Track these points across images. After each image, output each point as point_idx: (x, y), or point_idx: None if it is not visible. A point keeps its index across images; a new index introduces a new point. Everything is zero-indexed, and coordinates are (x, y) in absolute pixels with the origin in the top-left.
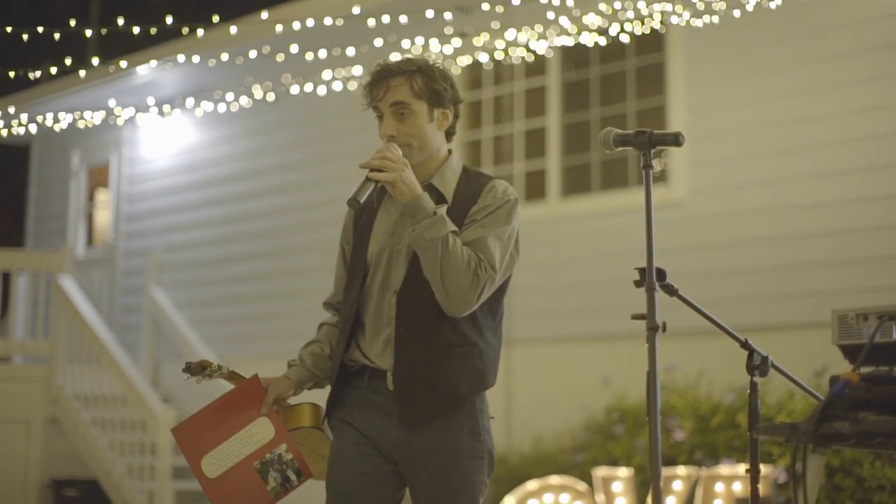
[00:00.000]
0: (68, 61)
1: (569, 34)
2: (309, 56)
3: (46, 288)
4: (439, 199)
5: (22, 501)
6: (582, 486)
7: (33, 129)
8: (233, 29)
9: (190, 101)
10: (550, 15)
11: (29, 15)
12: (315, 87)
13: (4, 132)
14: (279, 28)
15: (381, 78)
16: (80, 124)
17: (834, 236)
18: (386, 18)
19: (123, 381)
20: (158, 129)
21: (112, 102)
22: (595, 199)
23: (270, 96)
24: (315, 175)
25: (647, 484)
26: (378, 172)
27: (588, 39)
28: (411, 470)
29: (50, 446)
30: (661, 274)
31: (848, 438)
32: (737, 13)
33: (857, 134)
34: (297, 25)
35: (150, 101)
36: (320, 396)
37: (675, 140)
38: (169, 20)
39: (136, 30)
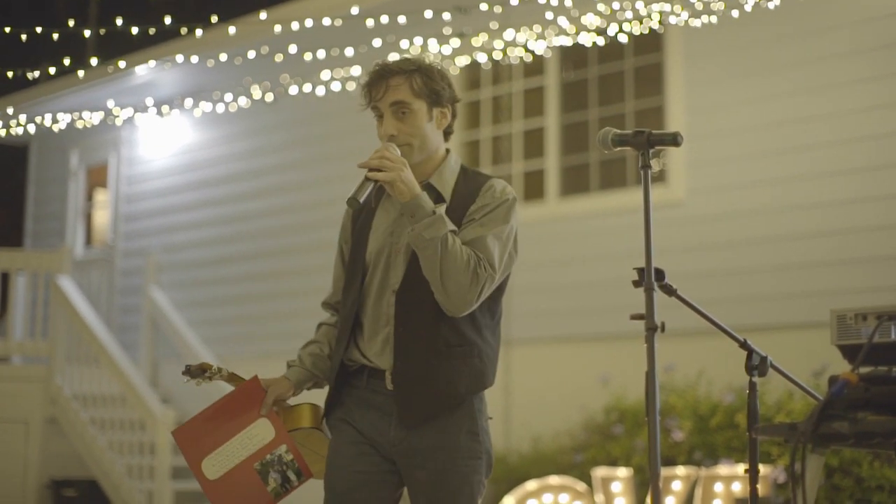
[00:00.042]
0: (67, 61)
1: (567, 34)
2: (307, 56)
3: (45, 288)
4: (437, 198)
5: (21, 502)
6: (581, 486)
7: (32, 129)
8: (231, 29)
9: (188, 102)
10: (549, 15)
11: (28, 15)
12: (314, 87)
13: (3, 132)
14: (278, 28)
15: (381, 77)
16: (79, 124)
17: (833, 236)
18: (385, 19)
19: (122, 382)
20: (157, 129)
21: (111, 103)
22: (594, 199)
23: (269, 97)
24: (314, 175)
25: (647, 484)
26: (377, 172)
27: (586, 39)
28: (410, 469)
29: (49, 446)
30: (660, 274)
31: (847, 438)
32: (735, 13)
33: (855, 134)
34: (295, 26)
35: (149, 101)
36: (319, 396)
37: (674, 140)
38: (168, 20)
39: (134, 30)
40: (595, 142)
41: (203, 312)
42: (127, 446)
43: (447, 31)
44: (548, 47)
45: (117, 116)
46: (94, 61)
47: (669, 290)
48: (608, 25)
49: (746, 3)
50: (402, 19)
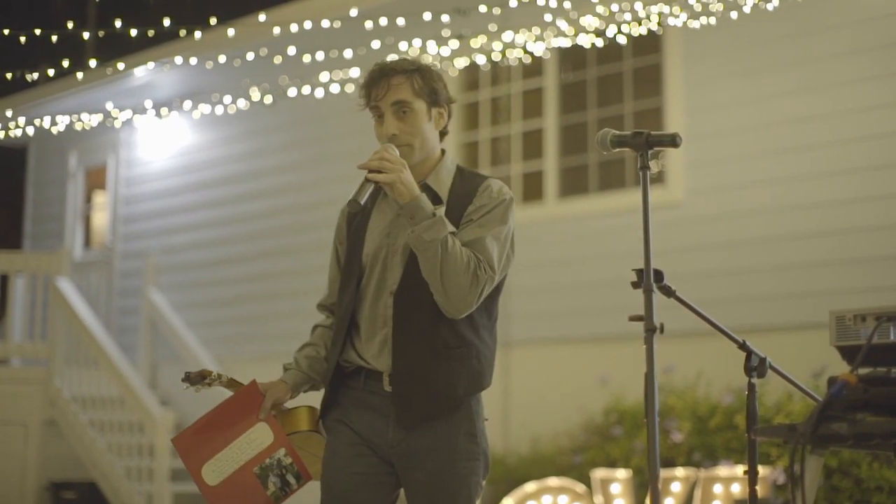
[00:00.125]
0: (66, 63)
1: (566, 36)
2: (306, 58)
3: (44, 290)
4: (434, 198)
5: None
6: (580, 487)
7: (31, 130)
8: (230, 31)
9: (187, 104)
10: (548, 17)
11: (26, 17)
12: (312, 89)
13: (2, 134)
14: (277, 30)
15: (382, 76)
16: (78, 126)
17: (832, 237)
18: (383, 21)
19: (121, 383)
20: (156, 131)
21: (109, 104)
22: (592, 200)
23: (268, 98)
24: (313, 176)
25: (646, 485)
26: (377, 173)
27: (585, 41)
28: (407, 471)
29: (48, 448)
30: (659, 275)
31: (846, 439)
32: (734, 15)
33: (855, 134)
34: (294, 28)
35: (148, 103)
36: (316, 398)
37: (673, 141)
38: (166, 22)
39: (133, 32)
40: (594, 143)
41: (202, 314)
42: (126, 448)
43: (446, 33)
44: (546, 49)
45: (116, 118)
46: (92, 63)
47: (668, 292)
48: (607, 27)
49: (745, 4)
50: (400, 21)
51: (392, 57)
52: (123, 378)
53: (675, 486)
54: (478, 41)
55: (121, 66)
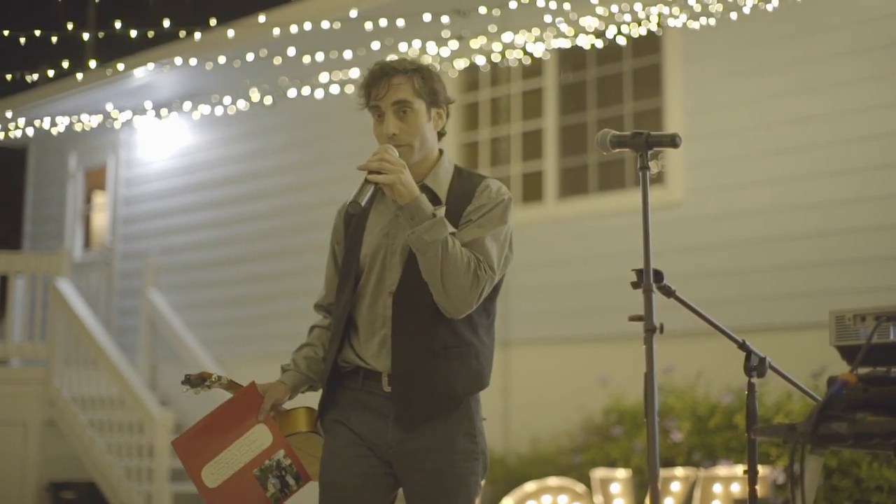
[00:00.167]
0: (66, 64)
1: (566, 37)
2: (306, 59)
3: (44, 291)
4: (433, 199)
5: None
6: (580, 487)
7: (30, 131)
8: (230, 32)
9: (187, 104)
10: (547, 18)
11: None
12: (312, 89)
13: (2, 135)
14: (276, 31)
15: (383, 76)
16: (78, 127)
17: (832, 237)
18: (383, 22)
19: (121, 384)
20: (156, 131)
21: (109, 105)
22: (592, 201)
23: (268, 99)
24: (312, 177)
25: (646, 485)
26: (377, 174)
27: (585, 42)
28: (407, 471)
29: (47, 449)
30: (659, 275)
31: (846, 439)
32: (734, 16)
33: (854, 134)
34: (294, 29)
35: (148, 103)
36: (313, 399)
37: (672, 141)
38: (166, 23)
39: (133, 33)
40: (593, 143)
41: (202, 314)
42: (125, 448)
43: (445, 34)
44: (546, 50)
45: (116, 119)
46: (92, 64)
47: (668, 292)
48: (606, 28)
49: (745, 4)
50: (400, 22)
51: (392, 57)
52: (123, 378)
53: (675, 486)
54: (477, 42)
55: (120, 66)
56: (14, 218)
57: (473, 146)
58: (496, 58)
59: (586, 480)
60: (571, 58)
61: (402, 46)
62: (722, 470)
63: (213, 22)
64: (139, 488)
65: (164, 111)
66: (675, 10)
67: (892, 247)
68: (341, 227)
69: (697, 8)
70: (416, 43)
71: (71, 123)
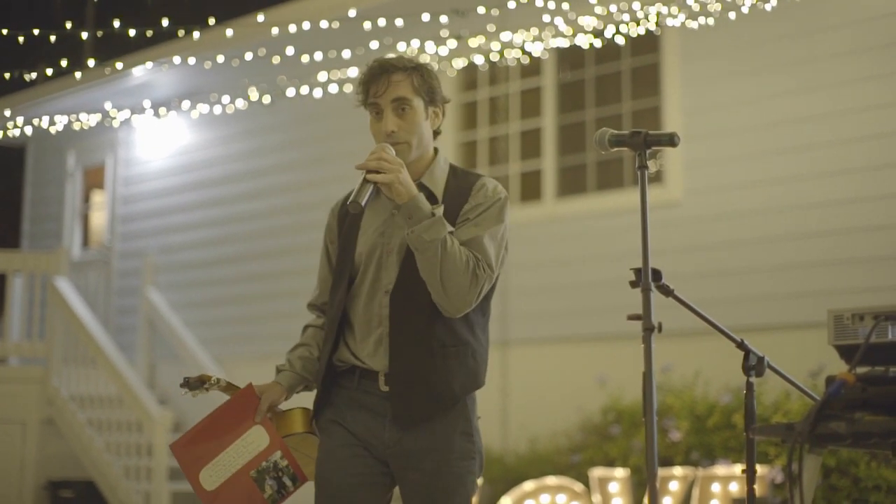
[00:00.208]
0: (64, 63)
1: (564, 36)
2: (305, 58)
3: (42, 289)
4: (429, 197)
5: (18, 502)
6: (578, 486)
7: (29, 130)
8: (228, 31)
9: (186, 103)
10: (546, 17)
11: (25, 17)
12: (311, 89)
13: (0, 134)
14: (275, 31)
15: (383, 72)
16: (76, 126)
17: (830, 236)
18: (382, 22)
19: (119, 383)
20: (154, 130)
21: (108, 104)
22: (590, 200)
23: (266, 98)
24: (311, 176)
25: (644, 484)
26: (375, 174)
27: (583, 41)
28: (404, 471)
29: (46, 447)
30: (657, 274)
31: (844, 438)
32: (732, 15)
33: (852, 134)
34: (293, 28)
35: (146, 102)
36: (308, 399)
37: (671, 140)
38: (165, 23)
39: (132, 32)
40: (592, 142)
41: (200, 313)
42: (124, 447)
43: (444, 33)
44: (545, 49)
45: (114, 118)
46: (91, 63)
47: (666, 291)
48: (605, 27)
49: (743, 4)
50: (399, 22)
51: (390, 56)
52: (121, 377)
53: (674, 485)
54: (476, 41)
55: (119, 65)
56: (12, 217)
57: (472, 145)
58: (495, 57)
59: (585, 480)
60: (570, 57)
61: (401, 46)
62: (720, 469)
63: (211, 21)
64: (138, 487)
65: (162, 110)
66: (674, 9)
67: (890, 247)
68: (335, 226)
69: (696, 7)
70: (415, 42)
71: (69, 122)
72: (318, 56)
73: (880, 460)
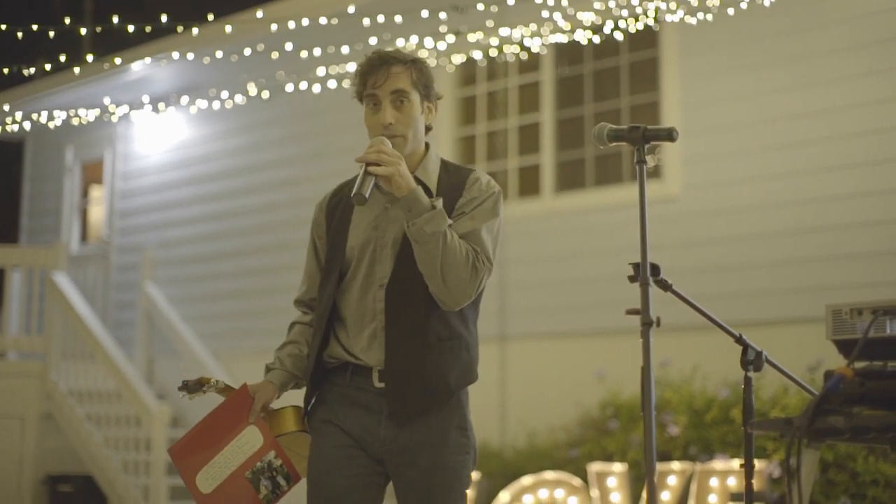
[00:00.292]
0: (63, 58)
1: (563, 31)
2: (303, 54)
3: (40, 284)
4: (425, 191)
5: (16, 497)
6: (577, 481)
7: (27, 125)
8: (227, 28)
9: (184, 98)
10: (544, 13)
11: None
12: (309, 84)
13: None
14: (274, 27)
15: (382, 64)
16: (75, 121)
17: (828, 232)
18: (381, 18)
19: (118, 377)
20: (153, 125)
21: (106, 99)
22: (589, 195)
23: (265, 94)
24: (309, 171)
25: (642, 479)
26: (375, 166)
27: (582, 37)
28: (400, 468)
29: (44, 442)
30: (656, 269)
31: (842, 433)
32: (730, 11)
33: (851, 129)
34: (292, 25)
35: (145, 97)
36: (298, 396)
37: (669, 135)
38: (164, 18)
39: (130, 28)
40: (590, 137)
41: (199, 308)
42: (122, 442)
43: (442, 29)
44: (543, 44)
45: (113, 113)
46: (89, 58)
47: (665, 286)
48: (603, 22)
49: (742, 0)
50: (398, 18)
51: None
52: (120, 372)
53: (672, 480)
54: (474, 37)
55: (118, 61)
56: (11, 211)
57: (470, 140)
58: (493, 52)
59: (583, 474)
60: (568, 52)
61: (400, 41)
62: (718, 464)
63: (210, 17)
64: (136, 481)
65: (161, 105)
66: (672, 5)
67: (889, 242)
68: (323, 222)
69: (694, 3)
70: (414, 38)
71: (68, 117)
72: (317, 52)
73: (878, 455)
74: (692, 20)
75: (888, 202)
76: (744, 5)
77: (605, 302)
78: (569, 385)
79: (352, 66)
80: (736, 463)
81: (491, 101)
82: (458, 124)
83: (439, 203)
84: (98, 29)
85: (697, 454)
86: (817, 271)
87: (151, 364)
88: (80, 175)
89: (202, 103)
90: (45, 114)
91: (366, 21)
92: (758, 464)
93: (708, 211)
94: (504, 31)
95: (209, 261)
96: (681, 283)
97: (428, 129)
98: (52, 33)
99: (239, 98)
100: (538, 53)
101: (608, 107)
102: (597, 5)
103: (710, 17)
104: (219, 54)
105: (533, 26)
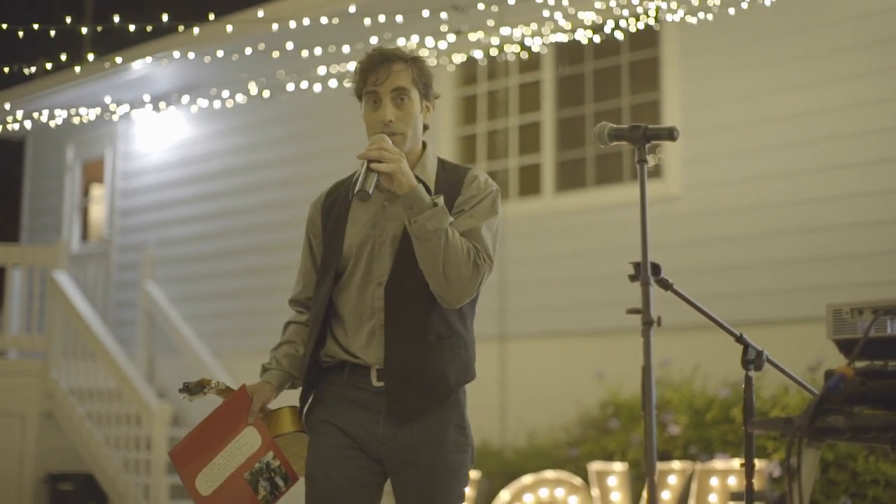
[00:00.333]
0: (63, 57)
1: (563, 31)
2: (304, 53)
3: (41, 283)
4: (425, 189)
5: (17, 496)
6: (577, 480)
7: (28, 124)
8: (228, 27)
9: (185, 97)
10: (545, 12)
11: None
12: (310, 83)
13: (0, 127)
14: (275, 27)
15: (384, 61)
16: (76, 119)
17: (829, 231)
18: (382, 18)
19: (118, 376)
20: (153, 124)
21: (107, 98)
22: (589, 195)
23: (266, 93)
24: (310, 170)
25: (642, 478)
26: (377, 163)
27: (582, 36)
28: (399, 467)
29: (45, 441)
30: (656, 268)
31: (843, 432)
32: (731, 11)
33: (851, 129)
34: (292, 24)
35: (146, 96)
36: (294, 396)
37: (670, 134)
38: (164, 18)
39: (131, 28)
40: (591, 137)
41: (199, 307)
42: (123, 441)
43: (444, 28)
44: (543, 44)
45: (114, 112)
46: (90, 57)
47: (665, 285)
48: (604, 22)
49: (743, 0)
50: (399, 18)
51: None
52: (120, 370)
53: (672, 479)
54: (475, 36)
55: (119, 60)
56: (12, 210)
57: (471, 139)
58: (494, 52)
59: (583, 474)
60: (569, 52)
61: (401, 41)
62: (719, 463)
63: (211, 17)
64: (137, 480)
65: (161, 104)
66: (673, 4)
67: (889, 242)
68: (318, 221)
69: (695, 2)
70: (415, 37)
71: (69, 116)
72: (318, 51)
73: (878, 454)
74: (693, 20)
75: (888, 202)
76: (744, 5)
77: (606, 301)
78: (569, 384)
79: (353, 66)
80: (736, 462)
81: (491, 100)
82: (459, 123)
83: (441, 200)
84: (99, 28)
85: (698, 453)
86: (817, 271)
87: (152, 363)
88: (80, 174)
89: (203, 102)
90: (45, 112)
91: (367, 20)
92: (758, 463)
93: (708, 211)
94: (505, 31)
95: (210, 259)
96: (681, 283)
97: (425, 128)
98: (52, 32)
99: (240, 97)
100: (539, 53)
101: (609, 106)
102: (597, 5)
103: (710, 16)
104: (219, 53)
105: (534, 26)
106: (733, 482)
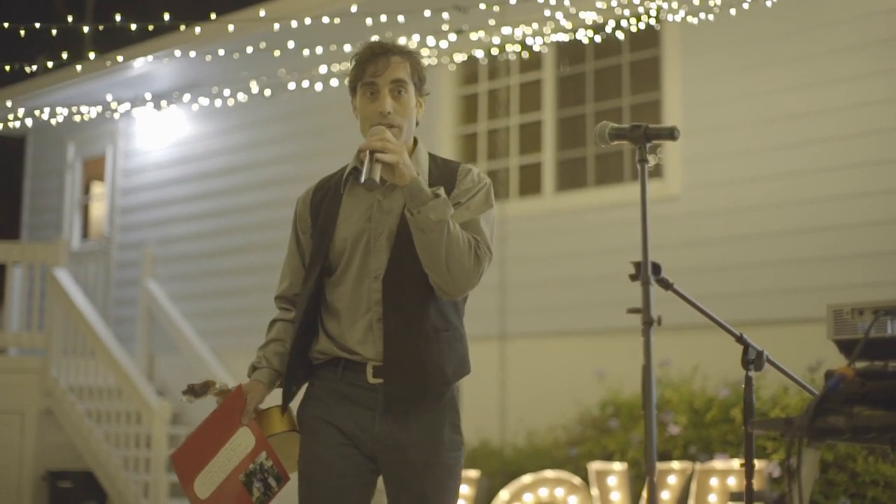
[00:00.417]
0: (65, 55)
1: (564, 30)
2: (305, 52)
3: (42, 280)
4: None
5: (17, 493)
6: (576, 480)
7: (29, 121)
8: (230, 26)
9: (186, 96)
10: (546, 12)
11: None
12: (311, 82)
13: (1, 125)
14: (276, 26)
15: (384, 53)
16: (76, 117)
17: (829, 231)
18: (383, 17)
19: (118, 374)
20: (154, 122)
21: (108, 96)
22: (590, 194)
23: (267, 91)
24: (310, 168)
25: (642, 478)
26: (381, 153)
27: (583, 35)
28: (393, 465)
29: (45, 438)
30: (657, 268)
31: (843, 433)
32: (732, 11)
33: (852, 129)
34: (294, 23)
35: (147, 94)
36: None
37: (670, 134)
38: (166, 17)
39: (133, 26)
40: (591, 136)
41: (199, 305)
42: (123, 438)
43: (445, 27)
44: (544, 43)
45: (115, 110)
46: (91, 55)
47: (666, 285)
48: (605, 22)
49: (744, 0)
50: (400, 17)
51: None
52: (120, 368)
53: (672, 479)
54: (476, 35)
55: (120, 58)
56: (12, 208)
57: (472, 138)
58: (495, 51)
59: (583, 473)
60: (570, 51)
61: (402, 40)
62: (718, 463)
63: (212, 16)
64: (136, 478)
65: (162, 102)
66: (674, 4)
67: (890, 242)
68: (307, 216)
69: (696, 2)
70: (416, 36)
71: (70, 114)
72: (319, 50)
73: (878, 455)
74: (694, 20)
75: (888, 202)
76: (745, 5)
77: (606, 301)
78: (569, 384)
79: None
80: (736, 462)
81: (492, 99)
82: (460, 122)
83: (442, 191)
84: (100, 26)
85: (697, 453)
86: (818, 271)
87: (152, 361)
88: (81, 171)
89: (204, 100)
90: (46, 110)
91: (368, 20)
92: (758, 463)
93: (708, 210)
94: (506, 30)
95: (210, 257)
96: (681, 283)
97: (416, 123)
98: (54, 30)
99: (241, 95)
100: (540, 52)
101: (609, 106)
102: (599, 4)
103: (711, 16)
104: (221, 52)
105: (535, 25)
106: (733, 482)
